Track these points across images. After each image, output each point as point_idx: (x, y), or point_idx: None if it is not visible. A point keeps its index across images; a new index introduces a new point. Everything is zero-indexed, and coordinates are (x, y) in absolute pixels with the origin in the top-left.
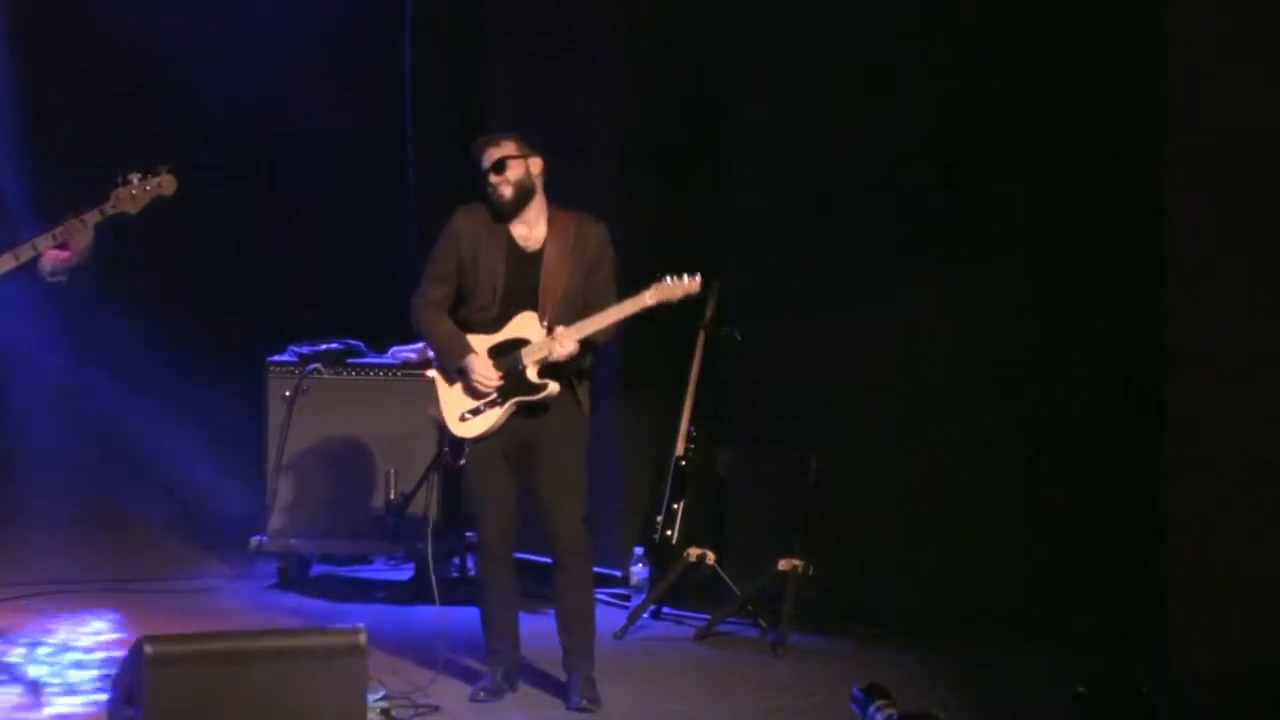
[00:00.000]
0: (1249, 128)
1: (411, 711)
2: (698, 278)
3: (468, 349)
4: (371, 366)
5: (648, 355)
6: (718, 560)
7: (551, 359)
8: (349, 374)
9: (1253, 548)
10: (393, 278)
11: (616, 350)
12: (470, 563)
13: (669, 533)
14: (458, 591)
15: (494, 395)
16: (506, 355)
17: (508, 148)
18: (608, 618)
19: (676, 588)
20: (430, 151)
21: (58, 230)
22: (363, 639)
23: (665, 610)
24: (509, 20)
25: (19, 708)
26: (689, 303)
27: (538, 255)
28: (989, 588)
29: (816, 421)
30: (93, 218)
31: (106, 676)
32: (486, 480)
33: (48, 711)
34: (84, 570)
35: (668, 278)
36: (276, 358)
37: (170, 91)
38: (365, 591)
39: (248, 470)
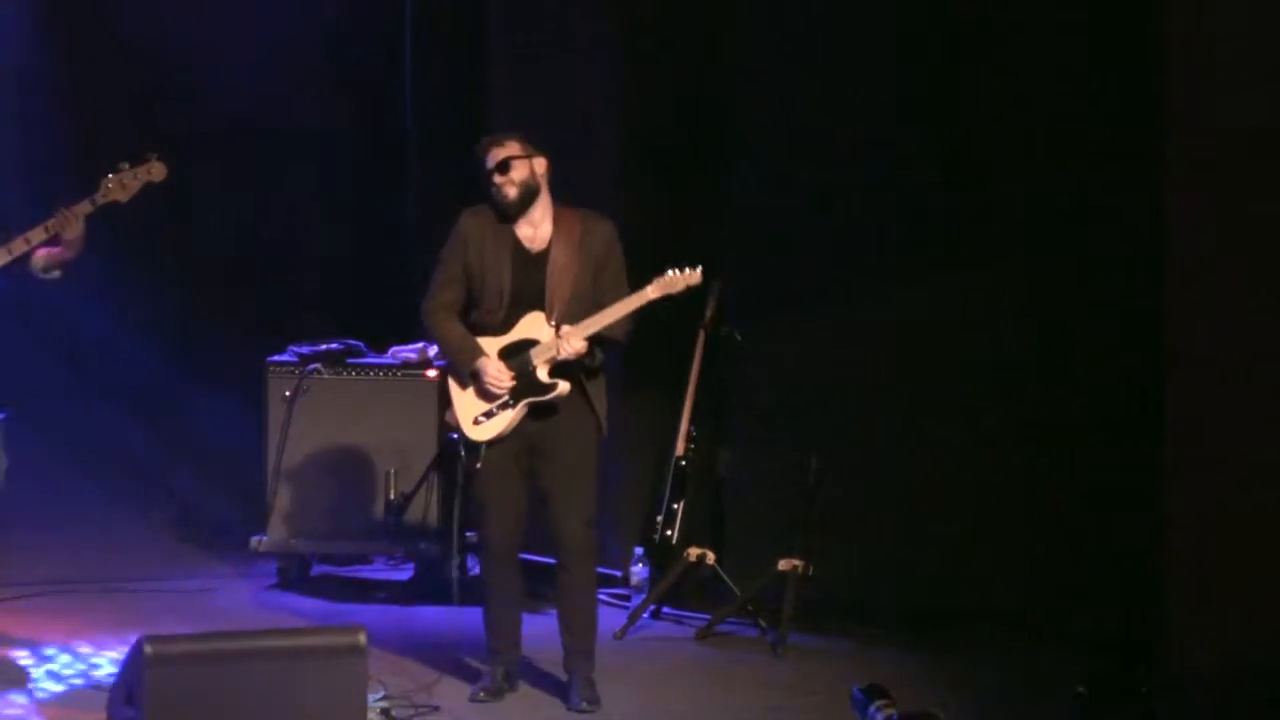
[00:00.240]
0: (1249, 128)
1: (411, 711)
2: (699, 269)
3: (479, 352)
4: (371, 366)
5: (648, 355)
6: (718, 560)
7: (560, 358)
8: (349, 374)
9: (1253, 548)
10: (393, 278)
11: (616, 350)
12: (471, 562)
13: (669, 533)
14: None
15: (506, 397)
16: (516, 356)
17: (511, 148)
18: (608, 618)
19: (676, 588)
20: (430, 151)
21: (49, 223)
22: (363, 639)
23: (665, 610)
24: (509, 20)
25: (18, 708)
26: (689, 303)
27: (543, 255)
28: (989, 588)
29: (816, 421)
30: (83, 208)
31: (106, 677)
32: (495, 482)
33: (48, 712)
34: (84, 570)
35: (669, 271)
36: (276, 358)
37: (170, 91)
38: (365, 591)
39: (248, 470)
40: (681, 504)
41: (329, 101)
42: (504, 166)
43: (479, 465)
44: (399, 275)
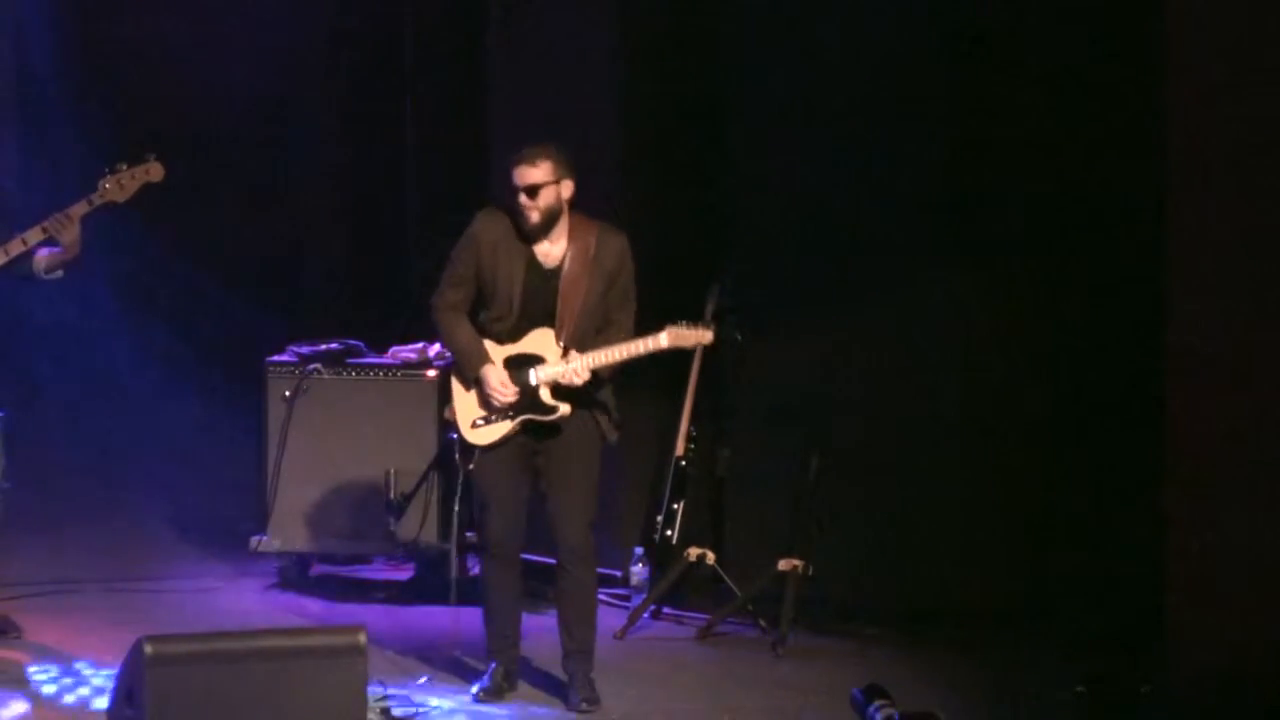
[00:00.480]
0: (1249, 128)
1: (411, 711)
2: (711, 330)
3: (485, 358)
4: (371, 366)
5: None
6: (718, 560)
7: (563, 383)
8: (349, 374)
9: (1253, 548)
10: (393, 278)
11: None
12: (471, 562)
13: (669, 533)
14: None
15: (506, 409)
16: (521, 369)
17: (543, 171)
18: (608, 618)
19: (676, 588)
20: (430, 152)
21: (46, 223)
22: (363, 639)
23: (665, 610)
24: (509, 21)
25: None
26: (689, 303)
27: (557, 270)
28: (989, 588)
29: (816, 421)
30: (80, 209)
31: (107, 677)
32: (495, 482)
33: (48, 713)
34: (84, 570)
35: (683, 324)
36: (276, 358)
37: (170, 92)
38: (365, 591)
39: (248, 470)
40: (681, 504)
41: (329, 101)
42: (532, 191)
43: (472, 467)
44: (399, 275)
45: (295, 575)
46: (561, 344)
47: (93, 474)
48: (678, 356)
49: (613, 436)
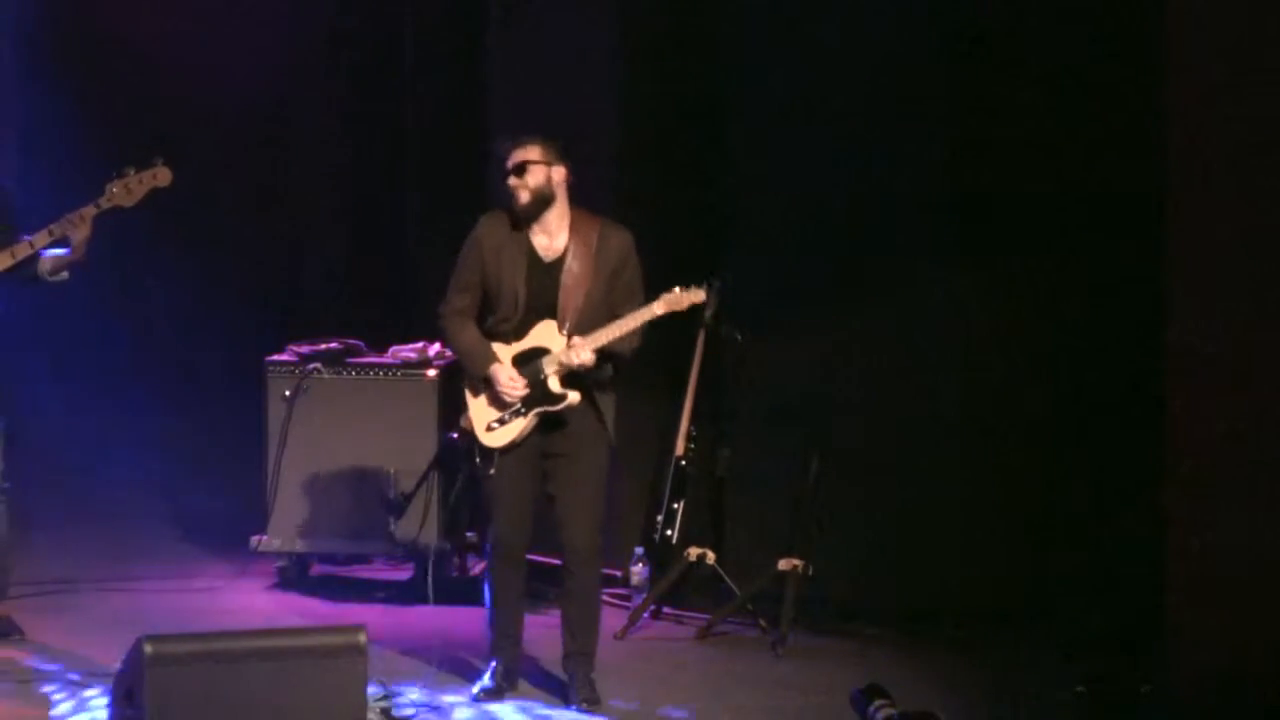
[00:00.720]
0: (1249, 128)
1: (412, 711)
2: (703, 288)
3: (492, 358)
4: (371, 366)
5: (648, 355)
6: (718, 560)
7: (570, 368)
8: (349, 374)
9: (1253, 548)
10: (393, 278)
11: (623, 365)
12: (470, 562)
13: (669, 533)
14: (457, 591)
15: (518, 405)
16: (528, 364)
17: (530, 152)
18: (608, 618)
19: (676, 588)
20: (430, 151)
21: (53, 227)
22: (363, 639)
23: (665, 610)
24: (509, 21)
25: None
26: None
27: (558, 264)
28: (989, 588)
29: (816, 421)
30: (88, 213)
31: (107, 677)
32: (507, 482)
33: (49, 712)
34: (84, 570)
35: (676, 288)
36: (276, 358)
37: (170, 92)
38: (365, 591)
39: (248, 470)
40: (681, 504)
41: (329, 101)
42: (520, 170)
43: (493, 471)
44: (399, 275)
45: (295, 575)
46: (565, 333)
47: (93, 474)
48: (678, 357)
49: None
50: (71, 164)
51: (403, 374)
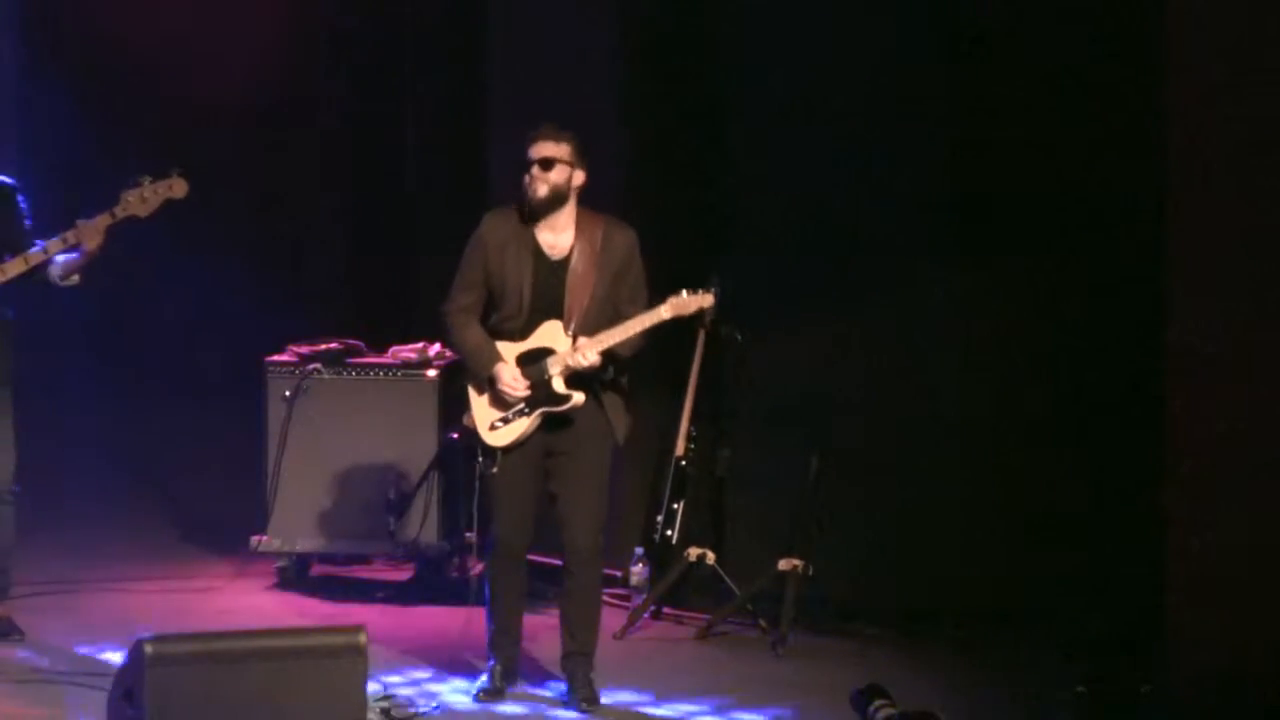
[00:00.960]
0: (1249, 128)
1: (411, 711)
2: (711, 293)
3: (496, 357)
4: (371, 366)
5: (648, 355)
6: (718, 560)
7: (575, 370)
8: (349, 374)
9: (1253, 548)
10: (393, 278)
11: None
12: (469, 563)
13: (669, 533)
14: (457, 591)
15: (522, 405)
16: (533, 364)
17: (561, 150)
18: (608, 618)
19: (676, 588)
20: (430, 151)
21: (68, 234)
22: (363, 639)
23: (665, 610)
24: (509, 21)
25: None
26: None
27: (563, 263)
28: (988, 588)
29: (816, 421)
30: (103, 221)
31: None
32: (510, 481)
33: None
34: (84, 570)
35: (683, 292)
36: (276, 358)
37: (170, 91)
38: (365, 591)
39: (248, 470)
40: (681, 504)
41: (329, 101)
42: (547, 164)
43: (495, 470)
44: (399, 275)
45: (295, 575)
46: (570, 333)
47: (93, 474)
48: (678, 356)
49: (621, 433)
50: (71, 164)
51: (403, 374)
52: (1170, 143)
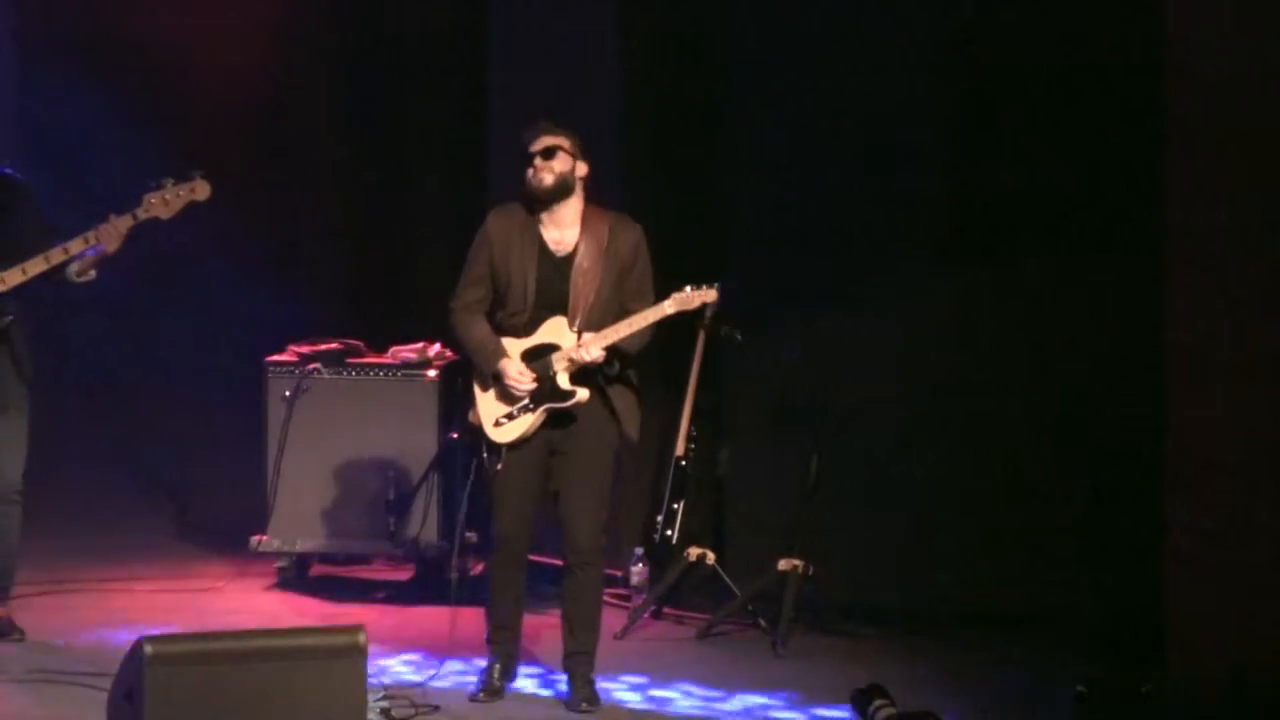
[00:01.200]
0: (1249, 128)
1: (411, 711)
2: (715, 287)
3: (501, 353)
4: (371, 366)
5: (648, 355)
6: (718, 560)
7: (579, 365)
8: (349, 374)
9: (1253, 548)
10: (393, 278)
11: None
12: (469, 563)
13: (669, 533)
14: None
15: (527, 400)
16: (538, 360)
17: (561, 140)
18: (608, 618)
19: (676, 588)
20: (430, 151)
21: (89, 234)
22: (363, 639)
23: (665, 610)
24: (509, 21)
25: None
26: None
27: (569, 259)
28: (989, 588)
29: (816, 421)
30: (125, 223)
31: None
32: (513, 479)
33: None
34: (84, 570)
35: (687, 288)
36: (276, 358)
37: (170, 91)
38: (365, 591)
39: (248, 470)
40: (681, 504)
41: (329, 101)
42: (549, 152)
43: (500, 467)
44: (399, 275)
45: (295, 575)
46: (575, 329)
47: (93, 474)
48: (679, 356)
49: (634, 429)
50: (70, 164)
51: (403, 374)
52: (1170, 142)
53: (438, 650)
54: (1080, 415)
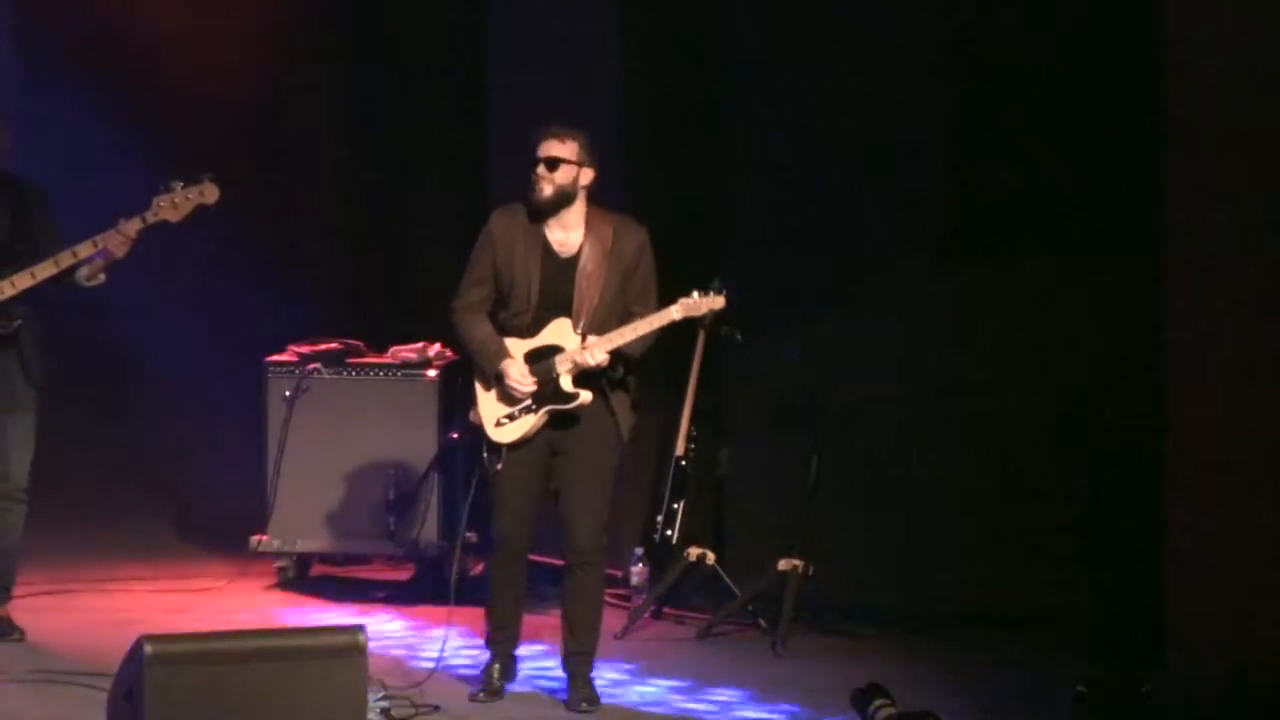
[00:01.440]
0: (1249, 128)
1: (411, 711)
2: (723, 295)
3: (504, 354)
4: (371, 366)
5: (648, 355)
6: (718, 560)
7: (582, 368)
8: (349, 374)
9: (1253, 548)
10: (393, 278)
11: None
12: (469, 563)
13: (669, 533)
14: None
15: (528, 402)
16: (541, 361)
17: (568, 149)
18: (608, 618)
19: (676, 588)
20: (430, 151)
21: (98, 238)
22: (363, 639)
23: (665, 610)
24: (510, 21)
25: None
26: None
27: (573, 260)
28: (989, 588)
29: (816, 421)
30: (134, 226)
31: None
32: (513, 479)
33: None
34: (84, 570)
35: (694, 293)
36: (276, 358)
37: (170, 91)
38: (365, 591)
39: (248, 470)
40: (681, 504)
41: (329, 101)
42: (552, 164)
43: (500, 467)
44: (399, 275)
45: (295, 575)
46: (579, 331)
47: (93, 474)
48: (678, 356)
49: (626, 428)
50: (71, 165)
51: (403, 374)
52: (1170, 143)
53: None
54: (1080, 415)
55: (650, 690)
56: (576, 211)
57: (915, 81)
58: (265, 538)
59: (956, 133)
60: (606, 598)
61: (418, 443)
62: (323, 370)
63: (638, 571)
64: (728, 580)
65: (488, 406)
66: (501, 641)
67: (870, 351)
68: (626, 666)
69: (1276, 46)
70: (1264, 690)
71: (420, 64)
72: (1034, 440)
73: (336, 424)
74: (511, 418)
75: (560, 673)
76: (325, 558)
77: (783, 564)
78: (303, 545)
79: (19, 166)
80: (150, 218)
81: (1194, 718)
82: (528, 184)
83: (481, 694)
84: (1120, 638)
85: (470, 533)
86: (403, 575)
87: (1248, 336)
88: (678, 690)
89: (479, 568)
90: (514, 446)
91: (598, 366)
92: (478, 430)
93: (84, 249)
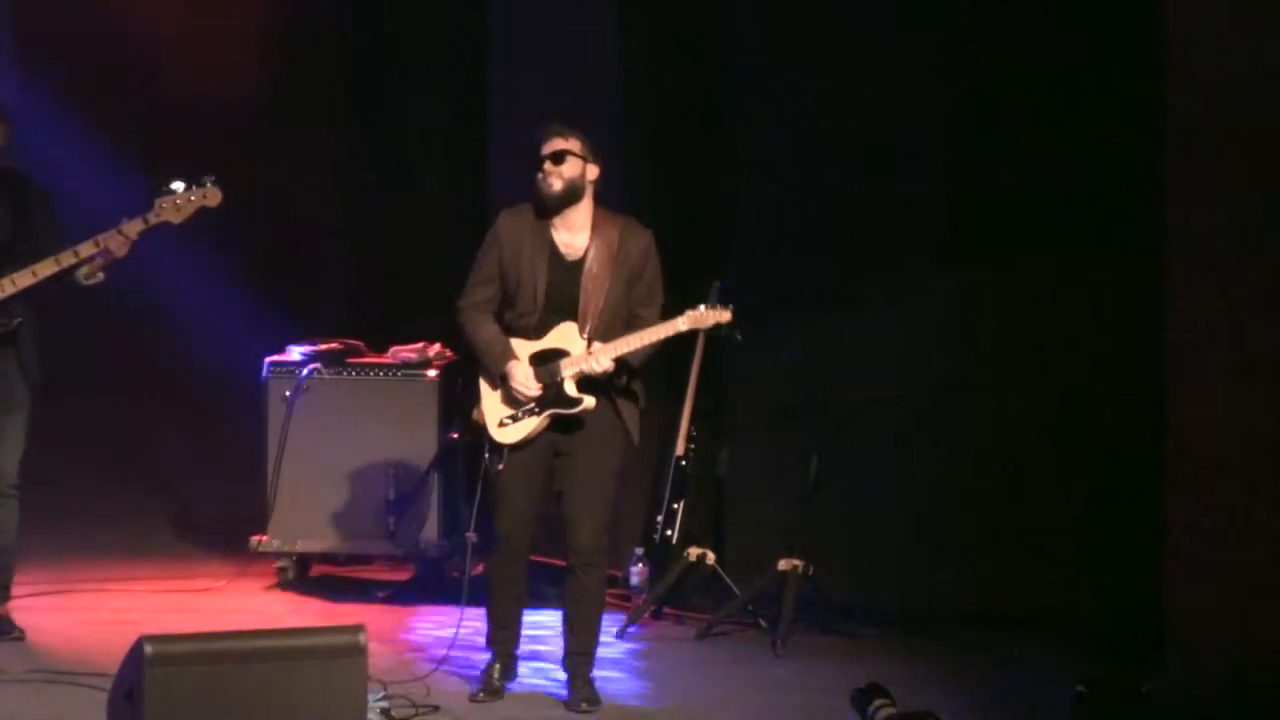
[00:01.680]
0: (1249, 128)
1: (411, 711)
2: (730, 308)
3: (510, 355)
4: (371, 366)
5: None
6: (718, 560)
7: (587, 374)
8: (349, 374)
9: (1253, 548)
10: (393, 278)
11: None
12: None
13: (669, 533)
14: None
15: (532, 404)
16: (546, 364)
17: (572, 143)
18: (608, 618)
19: (676, 588)
20: (430, 151)
21: (100, 237)
22: (363, 639)
23: (665, 610)
24: (510, 21)
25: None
26: (690, 302)
27: (579, 263)
28: (989, 588)
29: (816, 421)
30: (135, 227)
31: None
32: (515, 479)
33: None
34: (84, 570)
35: (701, 306)
36: (276, 358)
37: (170, 90)
38: (365, 591)
39: (248, 470)
40: (681, 504)
41: (329, 101)
42: (558, 157)
43: (502, 467)
44: (399, 275)
45: (295, 575)
46: (585, 336)
47: (94, 474)
48: (679, 357)
49: (635, 431)
50: (71, 163)
51: (403, 374)
52: (1170, 143)
53: (438, 650)
54: (1080, 415)
55: (650, 690)
56: (583, 213)
57: (915, 81)
58: (265, 538)
59: (956, 133)
60: (607, 598)
61: (418, 443)
62: (323, 370)
63: (638, 571)
64: (728, 580)
65: (491, 406)
66: (502, 641)
67: (870, 351)
68: (627, 666)
69: (1276, 46)
70: (1264, 690)
71: (420, 64)
72: (1034, 440)
73: (336, 424)
74: (514, 419)
75: (560, 673)
76: (325, 558)
77: (783, 564)
78: (303, 545)
79: (18, 166)
80: (152, 219)
81: (1194, 718)
82: (532, 183)
83: (482, 694)
84: (1120, 638)
85: (470, 533)
86: (403, 575)
87: (1248, 336)
88: (677, 690)
89: (479, 568)
90: (516, 447)
91: (603, 373)
92: (480, 429)
93: (85, 248)
